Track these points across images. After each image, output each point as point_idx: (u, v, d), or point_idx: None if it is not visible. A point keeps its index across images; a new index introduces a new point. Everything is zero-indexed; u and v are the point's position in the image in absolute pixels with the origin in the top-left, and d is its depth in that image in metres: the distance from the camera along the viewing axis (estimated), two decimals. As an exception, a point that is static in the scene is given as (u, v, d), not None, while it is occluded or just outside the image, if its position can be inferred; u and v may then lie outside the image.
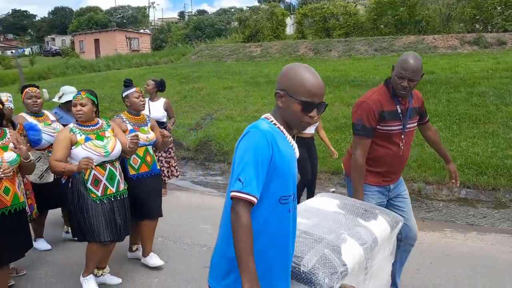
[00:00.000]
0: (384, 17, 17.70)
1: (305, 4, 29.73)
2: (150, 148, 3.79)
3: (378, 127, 2.80)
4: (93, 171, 3.15)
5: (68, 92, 4.60)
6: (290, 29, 23.24)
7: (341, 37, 18.13)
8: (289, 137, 1.75)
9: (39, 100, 4.04)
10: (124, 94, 3.77)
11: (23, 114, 4.02)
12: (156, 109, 5.85)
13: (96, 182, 3.18)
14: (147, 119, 3.90)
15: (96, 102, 3.31)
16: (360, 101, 2.87)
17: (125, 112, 3.79)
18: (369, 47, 16.15)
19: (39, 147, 3.89)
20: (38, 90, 4.12)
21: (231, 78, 13.82)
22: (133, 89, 3.73)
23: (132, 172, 3.65)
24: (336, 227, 2.20)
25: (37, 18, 78.82)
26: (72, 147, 3.13)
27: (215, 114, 10.13)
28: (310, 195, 5.26)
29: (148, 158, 3.73)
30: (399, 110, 2.80)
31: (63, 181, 3.28)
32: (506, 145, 6.51)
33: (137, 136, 3.36)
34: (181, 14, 67.62)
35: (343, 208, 2.44)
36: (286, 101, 1.68)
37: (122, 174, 3.43)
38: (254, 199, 1.57)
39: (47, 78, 22.11)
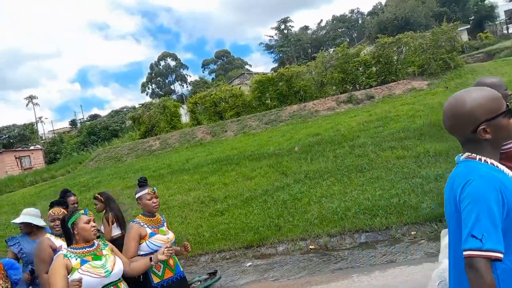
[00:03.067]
0: (267, 93, 19.36)
1: (194, 93, 31.29)
2: None
3: None
4: None
5: (26, 213, 4.03)
6: (185, 118, 24.06)
7: (233, 117, 19.29)
8: (505, 169, 1.61)
9: None
10: (136, 196, 3.54)
11: (49, 236, 3.53)
12: None
13: None
14: (162, 219, 3.64)
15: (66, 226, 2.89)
16: None
17: (140, 215, 3.52)
18: (260, 122, 17.34)
19: None
20: (63, 211, 3.59)
21: (133, 176, 13.70)
22: (146, 190, 3.47)
23: (156, 280, 3.33)
24: None
25: None
26: (68, 276, 2.60)
27: (122, 216, 9.88)
28: None
29: (171, 261, 3.44)
30: None
31: None
32: (390, 186, 7.30)
33: (171, 247, 3.11)
34: (73, 122, 66.18)
35: None
36: (492, 127, 1.58)
37: None
38: (499, 255, 1.40)
39: None
